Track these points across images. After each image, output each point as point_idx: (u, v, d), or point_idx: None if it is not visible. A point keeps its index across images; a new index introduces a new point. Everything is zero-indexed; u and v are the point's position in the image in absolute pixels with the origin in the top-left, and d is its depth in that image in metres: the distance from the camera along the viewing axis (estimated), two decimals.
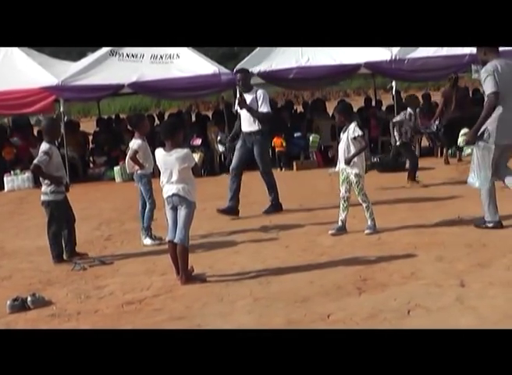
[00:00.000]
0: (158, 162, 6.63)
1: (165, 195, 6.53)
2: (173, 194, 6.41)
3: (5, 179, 14.52)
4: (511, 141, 7.51)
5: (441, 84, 33.89)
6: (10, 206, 12.42)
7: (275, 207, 9.75)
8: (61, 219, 7.61)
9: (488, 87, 7.26)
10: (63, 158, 14.40)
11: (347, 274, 6.34)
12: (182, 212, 6.38)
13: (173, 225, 6.50)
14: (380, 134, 15.31)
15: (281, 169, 14.38)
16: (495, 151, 7.38)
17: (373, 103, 17.10)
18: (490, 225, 7.54)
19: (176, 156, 6.39)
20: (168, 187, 6.45)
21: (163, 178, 6.52)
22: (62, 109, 14.52)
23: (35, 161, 7.53)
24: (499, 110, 7.29)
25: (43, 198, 7.64)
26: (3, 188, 14.56)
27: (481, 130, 7.37)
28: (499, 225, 7.51)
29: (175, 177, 6.39)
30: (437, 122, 13.97)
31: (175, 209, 6.45)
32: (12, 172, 14.53)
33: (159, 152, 6.56)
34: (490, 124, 7.33)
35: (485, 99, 7.37)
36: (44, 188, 7.62)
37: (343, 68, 14.55)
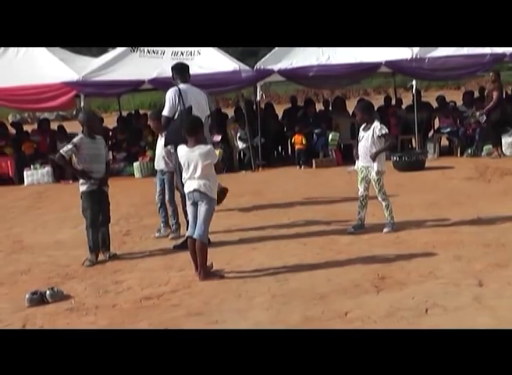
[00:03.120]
0: (180, 159, 6.64)
1: (186, 191, 6.56)
2: (194, 190, 6.43)
3: (24, 173, 14.62)
4: None
5: (461, 83, 33.83)
6: (29, 200, 12.50)
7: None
8: (89, 211, 7.53)
9: None
10: None
11: (365, 272, 6.34)
12: (202, 208, 6.40)
13: (193, 221, 6.53)
14: (400, 133, 15.23)
15: (300, 167, 14.36)
16: None
17: (393, 102, 17.00)
18: None
19: (199, 152, 6.41)
20: (190, 182, 6.47)
21: (185, 174, 6.55)
22: (82, 105, 14.57)
23: (60, 150, 7.58)
24: None
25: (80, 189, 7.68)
26: (23, 182, 14.65)
27: None
28: None
29: (197, 173, 6.41)
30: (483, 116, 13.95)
31: (195, 205, 6.47)
32: (32, 166, 14.63)
33: (182, 149, 6.58)
34: None
35: None
36: (80, 180, 7.65)
37: (363, 66, 14.47)
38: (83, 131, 7.68)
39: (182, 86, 7.98)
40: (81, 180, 7.58)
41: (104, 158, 7.71)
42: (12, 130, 16.60)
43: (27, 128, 17.64)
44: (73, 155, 7.56)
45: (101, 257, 7.61)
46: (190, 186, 6.49)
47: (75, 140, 7.53)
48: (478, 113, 14.19)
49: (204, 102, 8.09)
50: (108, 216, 7.73)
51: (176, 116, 7.85)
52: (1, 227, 10.06)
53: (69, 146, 7.47)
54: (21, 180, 14.74)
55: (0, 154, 15.11)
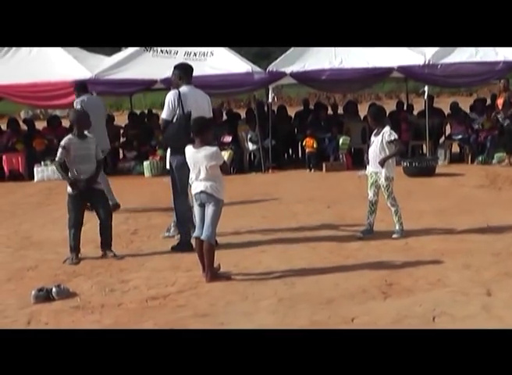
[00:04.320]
0: (187, 159, 6.63)
1: (193, 192, 6.56)
2: (201, 191, 6.42)
3: (35, 169, 14.65)
4: None
5: (473, 90, 33.71)
6: (39, 197, 12.52)
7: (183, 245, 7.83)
8: (71, 213, 7.56)
9: None
10: None
11: (373, 278, 6.31)
12: (209, 210, 6.38)
13: (201, 222, 6.52)
14: (411, 139, 15.19)
15: (310, 170, 14.35)
16: None
17: (405, 107, 16.96)
18: None
19: (205, 154, 6.39)
20: (197, 184, 6.46)
21: (192, 175, 6.54)
22: None
23: (56, 159, 7.58)
24: None
25: None
26: (33, 178, 14.69)
27: None
28: None
29: (203, 175, 6.40)
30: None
31: (203, 206, 6.46)
32: (42, 162, 14.65)
33: (189, 149, 6.57)
34: None
35: None
36: None
37: (375, 71, 14.45)
38: (73, 131, 7.67)
39: (183, 88, 7.85)
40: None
41: (94, 158, 7.68)
42: (24, 127, 16.64)
43: (39, 125, 17.67)
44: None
45: (97, 255, 7.65)
46: (196, 187, 6.47)
47: (63, 142, 7.52)
48: (500, 115, 14.11)
49: (206, 105, 7.96)
50: (107, 213, 7.71)
51: (174, 120, 7.78)
52: (11, 223, 10.07)
53: (60, 150, 7.49)
54: (31, 176, 14.78)
55: (11, 150, 15.16)
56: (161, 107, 8.20)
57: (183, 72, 8.04)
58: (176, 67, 8.21)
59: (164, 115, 7.84)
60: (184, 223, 7.88)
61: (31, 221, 10.14)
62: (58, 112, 28.88)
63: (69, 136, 7.62)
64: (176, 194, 7.91)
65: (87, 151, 7.62)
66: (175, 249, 7.77)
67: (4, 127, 16.40)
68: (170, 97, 7.77)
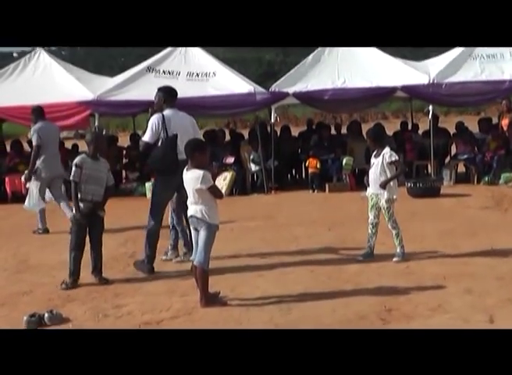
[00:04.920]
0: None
1: (188, 215, 6.47)
2: (191, 216, 6.34)
3: None
4: None
5: (481, 109, 33.60)
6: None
7: (142, 265, 7.90)
8: (74, 234, 7.49)
9: None
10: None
11: (372, 304, 6.16)
12: (201, 234, 6.28)
13: (196, 246, 6.42)
14: (416, 159, 15.06)
15: (313, 191, 14.23)
16: None
17: (409, 127, 16.85)
18: None
19: (191, 176, 6.31)
20: (190, 207, 6.39)
21: (188, 198, 6.46)
22: (96, 124, 14.58)
23: (71, 178, 7.48)
24: None
25: None
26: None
27: None
28: None
29: (192, 198, 6.33)
30: None
31: (196, 230, 6.36)
32: None
33: (184, 172, 6.49)
34: None
35: None
36: None
37: (379, 91, 14.36)
38: (87, 152, 7.63)
39: (167, 112, 7.79)
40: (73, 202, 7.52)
41: (104, 182, 7.58)
42: (28, 148, 16.60)
43: None
44: None
45: (93, 280, 7.52)
46: (189, 211, 6.39)
47: (77, 160, 7.47)
48: None
49: (190, 127, 7.90)
50: (99, 241, 7.60)
51: (159, 144, 7.71)
52: (10, 246, 9.99)
53: (74, 169, 7.42)
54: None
55: (13, 171, 15.10)
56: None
57: (167, 95, 7.99)
58: (159, 90, 8.15)
59: (146, 138, 7.77)
60: (153, 243, 7.84)
61: (30, 243, 10.05)
62: (65, 133, 29.23)
63: (83, 155, 7.58)
64: (149, 215, 7.89)
65: (98, 173, 7.54)
66: (135, 265, 7.90)
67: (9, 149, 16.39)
68: (154, 120, 7.73)
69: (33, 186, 10.77)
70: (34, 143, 10.68)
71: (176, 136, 7.59)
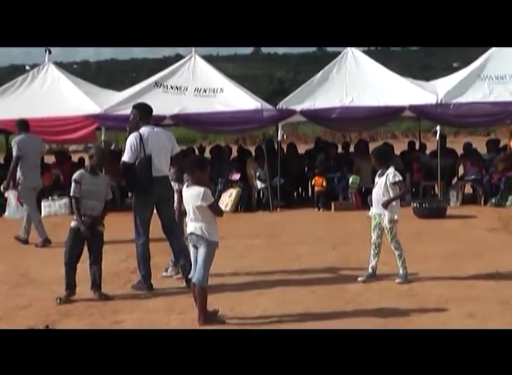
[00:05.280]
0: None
1: (187, 232, 6.41)
2: (191, 233, 6.27)
3: (42, 204, 14.55)
4: None
5: (491, 130, 33.51)
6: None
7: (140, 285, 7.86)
8: (69, 249, 7.45)
9: None
10: None
11: (372, 325, 6.05)
12: (200, 252, 6.22)
13: (195, 263, 6.36)
14: (422, 179, 14.97)
15: (319, 209, 14.15)
16: None
17: (417, 147, 16.79)
18: None
19: (191, 193, 6.26)
20: (189, 224, 6.33)
21: (187, 215, 6.41)
22: (103, 138, 14.58)
23: (70, 193, 7.50)
24: None
25: None
26: (40, 213, 14.55)
27: None
28: None
29: (192, 215, 6.27)
30: None
31: (196, 248, 6.30)
32: (49, 197, 14.57)
33: (184, 188, 6.45)
34: None
35: None
36: None
37: (386, 110, 14.30)
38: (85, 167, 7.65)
39: (143, 130, 7.76)
40: (74, 216, 7.48)
41: (104, 197, 7.57)
42: None
43: (51, 159, 17.63)
44: None
45: (92, 295, 7.47)
46: (188, 228, 6.33)
47: (75, 176, 7.47)
48: None
49: (168, 143, 7.87)
50: (99, 256, 7.55)
51: (137, 163, 7.69)
52: (12, 259, 9.95)
53: (73, 184, 7.42)
54: (39, 211, 14.64)
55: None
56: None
57: (142, 111, 7.99)
58: (134, 107, 8.17)
59: (125, 158, 7.73)
60: (144, 262, 7.83)
61: (32, 257, 10.01)
62: (74, 147, 29.34)
63: (81, 170, 7.60)
64: (136, 235, 7.91)
65: (97, 187, 7.53)
66: (133, 287, 7.80)
67: None
68: (131, 139, 7.71)
69: (11, 195, 11.24)
70: (14, 154, 10.89)
71: (149, 156, 7.61)
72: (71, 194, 7.47)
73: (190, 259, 8.10)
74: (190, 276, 6.42)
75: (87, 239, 7.46)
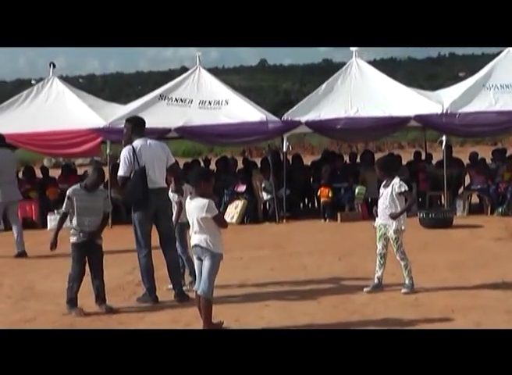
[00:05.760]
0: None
1: (191, 244, 6.40)
2: (195, 245, 6.26)
3: (48, 217, 14.58)
4: None
5: (498, 140, 33.43)
6: (49, 245, 12.37)
7: (146, 297, 7.87)
8: (74, 264, 7.45)
9: None
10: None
11: None
12: (205, 263, 6.20)
13: (199, 275, 6.34)
14: (429, 189, 14.94)
15: (325, 220, 14.12)
16: None
17: (423, 157, 16.75)
18: None
19: (195, 205, 6.24)
20: (193, 236, 6.32)
21: (191, 227, 6.40)
22: (108, 151, 14.59)
23: (62, 209, 7.50)
24: None
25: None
26: (46, 226, 14.60)
27: None
28: None
29: (196, 227, 6.25)
30: None
31: (200, 260, 6.28)
32: (55, 211, 14.57)
33: (187, 200, 6.44)
34: None
35: None
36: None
37: (391, 120, 14.26)
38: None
39: (136, 143, 7.75)
40: (71, 231, 7.44)
41: (101, 211, 7.54)
42: (41, 175, 16.68)
43: (57, 173, 17.68)
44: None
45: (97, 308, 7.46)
46: (193, 240, 6.32)
47: (68, 192, 7.44)
48: None
49: (162, 154, 7.85)
50: (100, 268, 7.55)
51: (131, 175, 7.70)
52: (17, 272, 9.97)
53: (65, 200, 7.40)
54: (45, 224, 14.70)
55: (25, 197, 15.10)
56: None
57: (134, 124, 7.99)
58: (127, 120, 8.20)
59: (121, 172, 7.75)
60: (147, 275, 7.83)
61: (37, 270, 10.01)
62: (80, 160, 29.37)
63: (75, 186, 7.53)
64: (138, 248, 7.89)
65: (93, 203, 7.48)
66: (138, 300, 7.81)
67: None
68: (125, 153, 7.72)
69: None
70: None
71: (143, 168, 7.62)
72: (66, 210, 7.44)
73: (183, 273, 8.18)
74: (195, 288, 6.40)
75: (87, 252, 7.44)
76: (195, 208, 6.22)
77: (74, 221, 7.41)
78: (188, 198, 6.42)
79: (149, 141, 7.87)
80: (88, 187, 7.48)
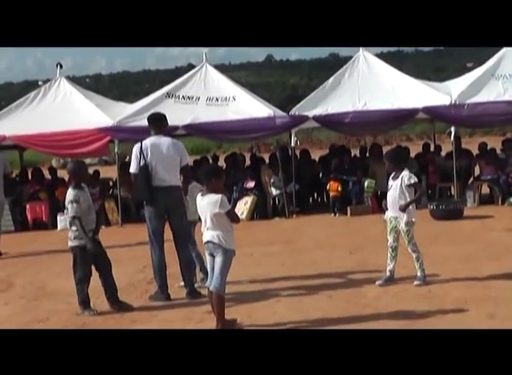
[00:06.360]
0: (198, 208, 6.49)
1: (204, 241, 6.38)
2: (208, 241, 6.25)
3: (58, 218, 14.61)
4: None
5: (507, 130, 33.22)
6: (59, 245, 12.30)
7: (157, 295, 7.90)
8: (81, 267, 7.39)
9: None
10: (116, 198, 14.74)
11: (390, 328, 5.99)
12: (217, 260, 6.19)
13: (211, 272, 6.33)
14: (438, 181, 14.88)
15: (335, 214, 14.07)
16: None
17: (432, 148, 16.68)
18: None
19: (207, 201, 6.23)
20: (205, 233, 6.31)
21: (203, 224, 6.38)
22: (116, 150, 14.60)
23: (72, 214, 7.29)
24: None
25: (68, 243, 7.45)
26: (56, 227, 14.64)
27: None
28: None
29: (209, 223, 6.24)
30: None
31: (212, 256, 6.27)
32: (65, 211, 14.58)
33: (198, 197, 6.42)
34: None
35: None
36: (69, 234, 7.42)
37: (400, 113, 14.19)
38: (71, 184, 7.54)
39: (147, 140, 7.78)
40: (74, 234, 7.33)
41: (94, 208, 7.61)
42: (49, 176, 16.71)
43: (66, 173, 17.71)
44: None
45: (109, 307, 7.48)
46: (205, 237, 6.32)
47: (72, 197, 7.30)
48: None
49: (173, 152, 7.77)
50: (109, 264, 7.53)
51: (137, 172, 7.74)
52: (29, 272, 10.02)
53: (74, 205, 7.25)
54: (54, 225, 14.73)
55: (34, 198, 15.18)
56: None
57: (150, 121, 8.03)
58: (146, 118, 8.20)
59: (132, 169, 7.80)
60: (159, 273, 7.83)
61: (48, 270, 10.05)
62: (88, 160, 29.41)
63: (76, 191, 7.36)
64: (150, 244, 7.91)
65: (90, 201, 7.52)
66: (150, 298, 7.82)
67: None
68: (134, 150, 7.77)
69: None
70: None
71: (146, 165, 7.61)
72: (73, 214, 7.27)
73: (195, 272, 8.16)
74: (206, 284, 6.39)
75: (94, 254, 7.39)
76: (208, 204, 6.21)
77: (77, 223, 7.29)
78: (199, 195, 6.40)
79: (162, 139, 7.84)
80: (77, 184, 7.41)
